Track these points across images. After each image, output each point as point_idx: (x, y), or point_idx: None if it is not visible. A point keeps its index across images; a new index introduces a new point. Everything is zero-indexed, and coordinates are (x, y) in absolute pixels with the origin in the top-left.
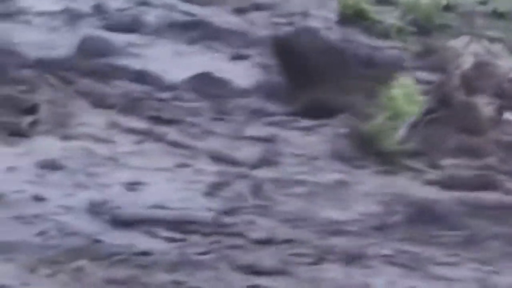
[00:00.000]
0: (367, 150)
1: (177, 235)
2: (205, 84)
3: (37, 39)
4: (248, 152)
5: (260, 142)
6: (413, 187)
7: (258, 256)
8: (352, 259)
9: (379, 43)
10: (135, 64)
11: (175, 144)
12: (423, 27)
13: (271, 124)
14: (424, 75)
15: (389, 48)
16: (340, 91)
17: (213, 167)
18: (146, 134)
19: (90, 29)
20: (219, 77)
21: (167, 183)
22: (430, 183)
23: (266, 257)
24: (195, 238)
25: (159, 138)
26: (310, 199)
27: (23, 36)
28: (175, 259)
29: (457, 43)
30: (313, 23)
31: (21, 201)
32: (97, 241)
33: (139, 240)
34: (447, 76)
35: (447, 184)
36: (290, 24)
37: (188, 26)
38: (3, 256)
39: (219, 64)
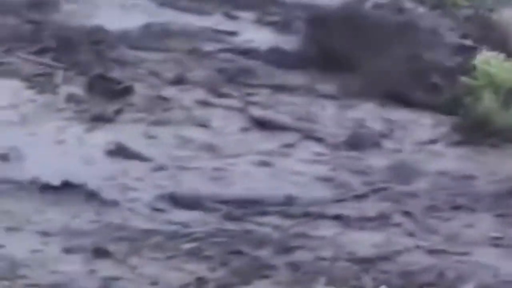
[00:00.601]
0: (481, 130)
1: (261, 220)
2: (285, 62)
3: (119, 22)
4: (354, 136)
5: (363, 125)
6: None
7: (359, 243)
8: (461, 244)
9: (438, 14)
10: (217, 45)
11: (273, 127)
12: None
13: (368, 104)
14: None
15: (444, 19)
16: (414, 65)
17: (316, 153)
18: (241, 117)
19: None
20: (291, 54)
21: (263, 169)
22: None
23: (369, 244)
24: (288, 222)
25: (255, 121)
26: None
27: (105, 18)
28: (261, 240)
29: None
30: None
31: (98, 190)
32: (176, 224)
33: (218, 224)
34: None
35: None
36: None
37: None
38: (78, 242)
39: (288, 41)
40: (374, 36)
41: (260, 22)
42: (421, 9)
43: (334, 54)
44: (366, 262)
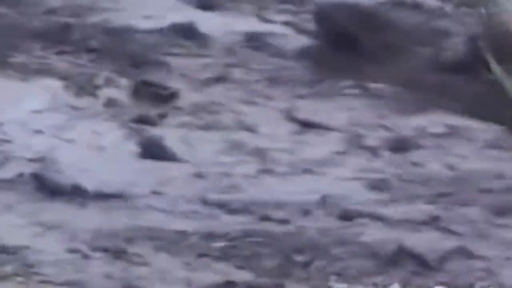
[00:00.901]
0: None
1: (303, 223)
2: (324, 65)
3: (156, 24)
4: (406, 140)
5: (414, 129)
6: None
7: (394, 244)
8: (506, 249)
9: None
10: (254, 47)
11: (321, 131)
12: None
13: (411, 109)
14: None
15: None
16: (441, 68)
17: (368, 158)
18: (288, 121)
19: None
20: (328, 56)
21: (310, 174)
22: None
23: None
24: (331, 225)
25: (303, 125)
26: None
27: (142, 20)
28: (301, 242)
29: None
30: None
31: (134, 195)
32: (212, 227)
33: (253, 226)
34: None
35: None
36: None
37: None
38: (107, 244)
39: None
40: (399, 37)
41: (293, 23)
42: (447, 8)
43: (361, 57)
44: (391, 263)
